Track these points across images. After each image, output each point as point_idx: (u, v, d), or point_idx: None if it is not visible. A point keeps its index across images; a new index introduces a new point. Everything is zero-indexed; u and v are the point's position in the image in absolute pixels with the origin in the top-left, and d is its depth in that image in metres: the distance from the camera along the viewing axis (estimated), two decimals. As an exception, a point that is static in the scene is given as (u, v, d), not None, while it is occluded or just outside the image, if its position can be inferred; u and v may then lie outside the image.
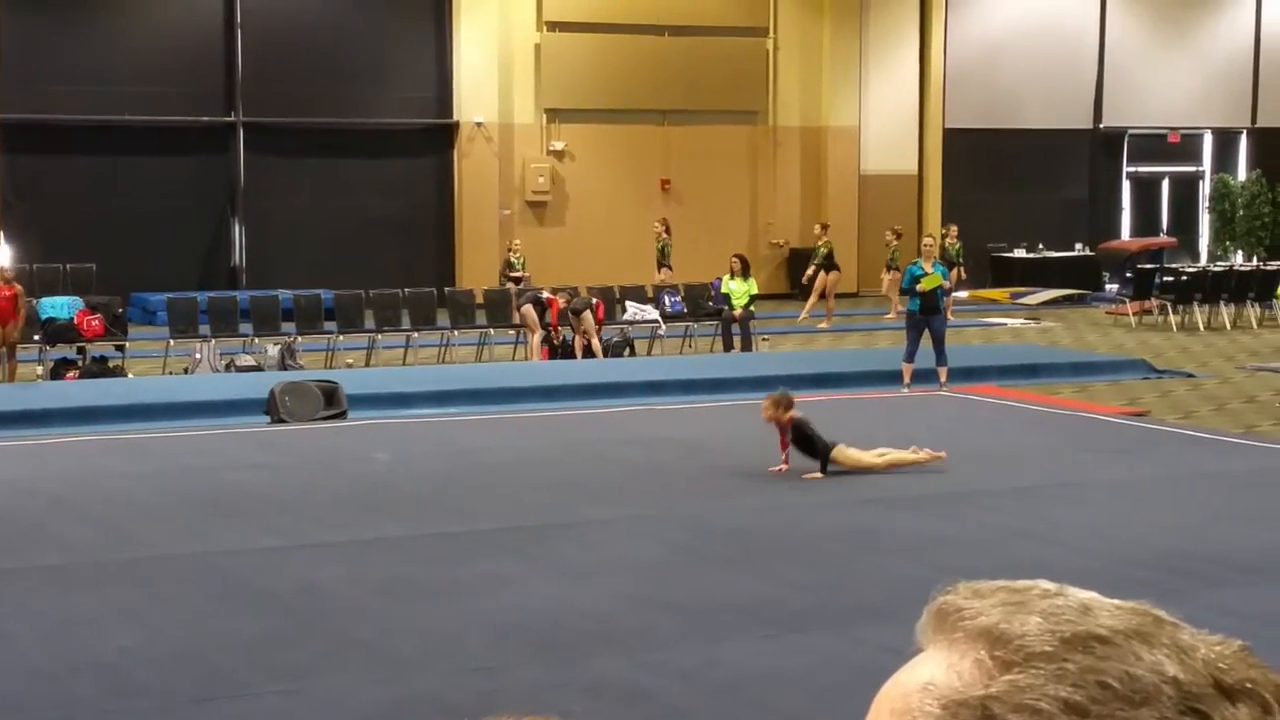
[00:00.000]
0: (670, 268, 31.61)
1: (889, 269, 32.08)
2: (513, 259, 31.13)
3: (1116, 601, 1.09)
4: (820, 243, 31.61)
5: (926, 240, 24.11)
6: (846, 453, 15.65)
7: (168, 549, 12.81)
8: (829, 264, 31.46)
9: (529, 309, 25.74)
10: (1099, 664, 1.02)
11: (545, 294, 26.14)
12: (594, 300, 26.13)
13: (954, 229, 34.01)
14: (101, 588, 11.66)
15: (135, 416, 19.31)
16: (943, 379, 21.79)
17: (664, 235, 32.21)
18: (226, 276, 33.19)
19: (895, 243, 32.37)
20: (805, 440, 15.56)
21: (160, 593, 11.51)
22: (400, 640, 10.36)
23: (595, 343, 25.34)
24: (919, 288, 21.96)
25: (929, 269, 22.29)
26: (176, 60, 32.69)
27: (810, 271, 31.53)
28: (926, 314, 21.80)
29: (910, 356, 21.91)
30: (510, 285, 29.15)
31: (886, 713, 1.08)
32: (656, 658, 9.95)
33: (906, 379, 21.89)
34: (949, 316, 24.81)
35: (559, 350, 25.60)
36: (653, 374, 22.89)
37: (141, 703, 9.22)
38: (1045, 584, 1.11)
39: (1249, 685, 1.03)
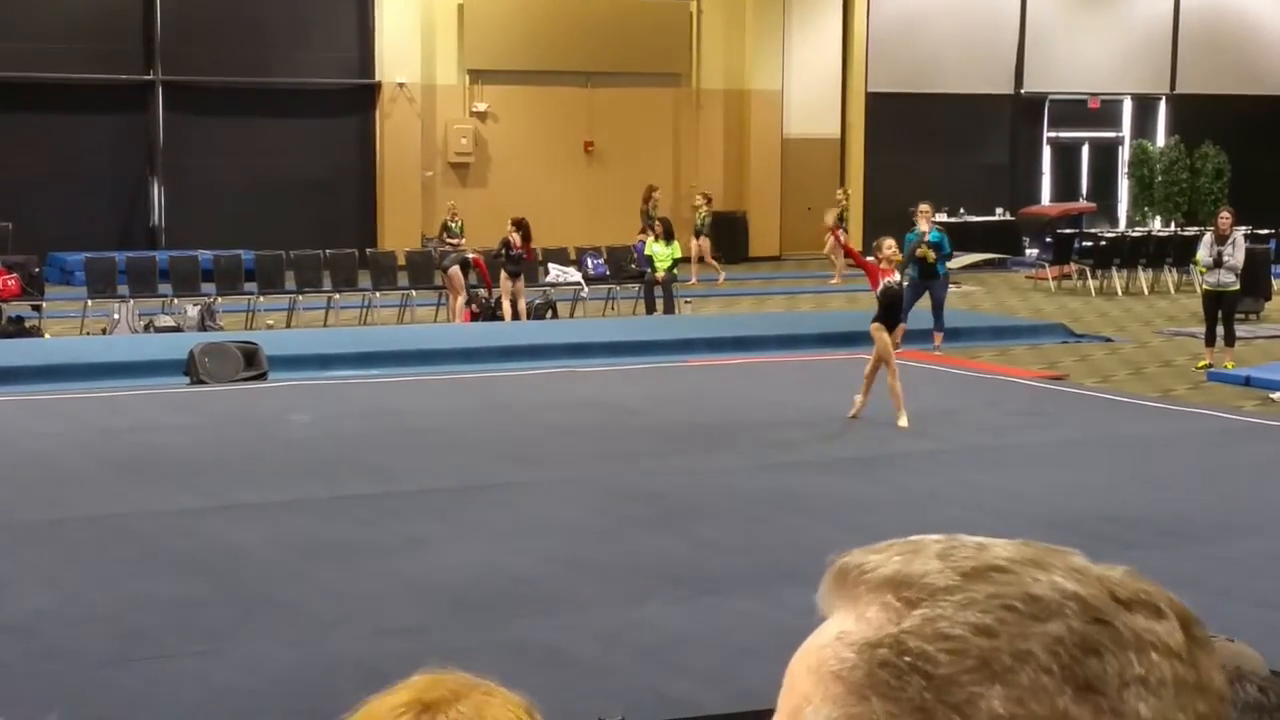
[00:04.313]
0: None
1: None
2: (450, 224, 31.01)
3: (1006, 540, 1.11)
4: (702, 211, 32.30)
5: (923, 207, 24.00)
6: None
7: (85, 510, 12.72)
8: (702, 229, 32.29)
9: (456, 271, 25.66)
10: (1002, 589, 1.05)
11: (471, 255, 26.10)
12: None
13: (848, 190, 34.94)
14: (16, 550, 11.57)
15: (52, 377, 19.15)
16: (937, 342, 22.25)
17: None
18: (145, 236, 32.89)
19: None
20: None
21: (77, 555, 11.44)
22: (320, 601, 10.34)
23: (521, 304, 25.37)
24: (917, 254, 22.36)
25: (925, 233, 22.81)
26: (95, 17, 32.31)
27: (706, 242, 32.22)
28: (926, 279, 22.71)
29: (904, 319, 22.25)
30: (448, 248, 28.96)
31: (803, 672, 1.08)
32: (576, 619, 9.98)
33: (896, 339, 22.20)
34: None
35: (482, 313, 25.58)
36: (575, 336, 22.88)
37: (57, 665, 9.16)
38: (935, 536, 1.12)
39: (1143, 595, 1.08)
